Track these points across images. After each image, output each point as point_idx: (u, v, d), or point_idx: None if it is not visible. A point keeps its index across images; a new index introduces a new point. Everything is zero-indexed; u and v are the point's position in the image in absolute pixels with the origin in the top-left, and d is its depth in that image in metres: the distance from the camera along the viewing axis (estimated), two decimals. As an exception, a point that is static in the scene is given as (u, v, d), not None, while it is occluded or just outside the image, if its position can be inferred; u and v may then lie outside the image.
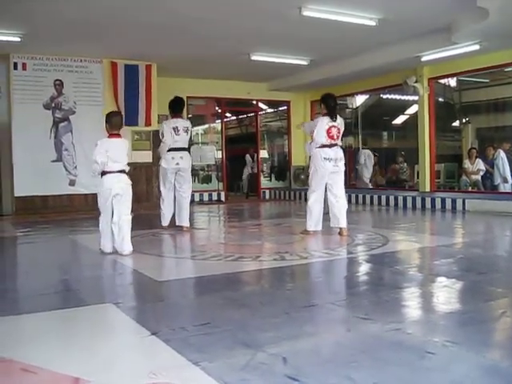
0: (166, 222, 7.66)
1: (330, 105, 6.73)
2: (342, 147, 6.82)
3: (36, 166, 10.08)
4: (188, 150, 7.62)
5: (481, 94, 14.45)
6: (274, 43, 9.90)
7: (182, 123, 7.50)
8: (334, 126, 6.61)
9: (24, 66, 10.18)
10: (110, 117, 5.72)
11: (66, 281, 4.48)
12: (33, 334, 2.99)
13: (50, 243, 6.88)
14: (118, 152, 5.58)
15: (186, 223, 7.54)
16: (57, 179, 10.35)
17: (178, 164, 7.41)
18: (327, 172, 6.62)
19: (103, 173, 5.55)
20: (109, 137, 5.63)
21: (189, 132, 7.55)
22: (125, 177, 5.64)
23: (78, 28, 8.43)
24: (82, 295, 3.86)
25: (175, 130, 7.38)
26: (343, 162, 6.75)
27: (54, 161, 10.45)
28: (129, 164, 5.75)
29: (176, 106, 7.65)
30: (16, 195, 10.11)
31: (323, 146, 6.60)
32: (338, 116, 6.80)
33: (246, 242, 6.60)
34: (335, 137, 6.62)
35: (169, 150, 7.41)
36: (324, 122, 6.61)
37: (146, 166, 10.95)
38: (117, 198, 5.53)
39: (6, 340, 2.83)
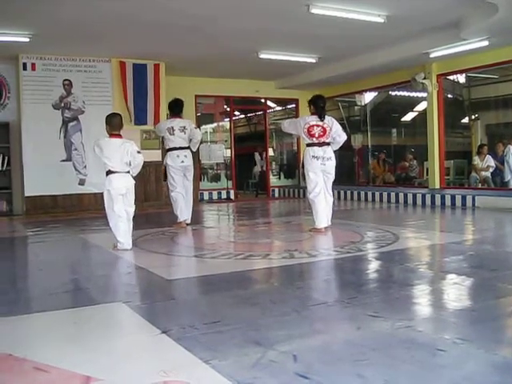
0: (183, 216, 7.72)
1: (319, 105, 6.88)
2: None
3: (46, 166, 10.13)
4: (189, 147, 7.79)
5: (490, 90, 14.35)
6: (283, 41, 9.89)
7: (179, 123, 7.69)
8: (318, 125, 6.75)
9: (33, 67, 10.23)
10: (108, 118, 5.83)
11: (76, 280, 4.50)
12: (44, 333, 3.01)
13: (61, 242, 6.91)
14: (113, 152, 5.66)
15: (188, 219, 7.80)
16: (66, 179, 10.40)
17: (183, 162, 7.62)
18: (318, 169, 6.77)
19: (109, 172, 5.63)
20: (110, 137, 5.72)
21: (187, 131, 7.68)
22: (129, 177, 5.78)
23: (85, 28, 8.46)
24: (92, 294, 3.88)
25: (170, 130, 7.63)
26: (332, 161, 6.86)
27: (63, 160, 10.50)
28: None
29: (174, 107, 7.89)
30: (26, 195, 10.18)
31: (312, 144, 6.79)
32: (330, 117, 6.96)
33: (256, 240, 6.60)
34: (317, 135, 6.74)
35: (171, 150, 7.63)
36: (305, 121, 6.82)
37: (154, 165, 10.97)
38: (123, 197, 5.71)
39: (18, 339, 2.85)
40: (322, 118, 6.76)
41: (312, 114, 6.86)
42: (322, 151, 6.74)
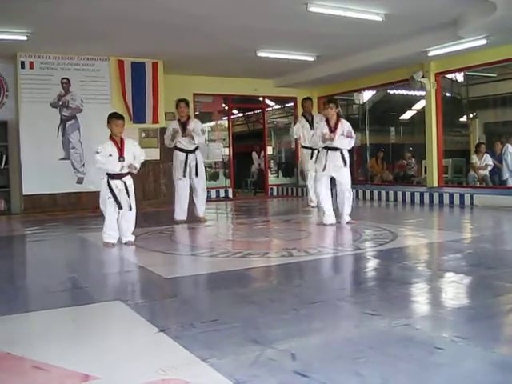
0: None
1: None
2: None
3: (44, 165, 10.12)
4: None
5: (488, 88, 14.35)
6: (281, 39, 9.88)
7: None
8: None
9: (31, 65, 10.21)
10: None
11: (74, 278, 4.49)
12: (43, 332, 3.01)
13: (59, 241, 6.90)
14: None
15: None
16: (65, 177, 10.38)
17: None
18: None
19: None
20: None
21: None
22: None
23: (83, 26, 8.44)
24: (90, 292, 3.88)
25: None
26: None
27: (61, 159, 10.48)
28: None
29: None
30: (24, 193, 10.16)
31: None
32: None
33: (254, 238, 6.61)
34: None
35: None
36: None
37: (153, 164, 10.97)
38: None
39: (16, 337, 2.85)
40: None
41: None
42: None
